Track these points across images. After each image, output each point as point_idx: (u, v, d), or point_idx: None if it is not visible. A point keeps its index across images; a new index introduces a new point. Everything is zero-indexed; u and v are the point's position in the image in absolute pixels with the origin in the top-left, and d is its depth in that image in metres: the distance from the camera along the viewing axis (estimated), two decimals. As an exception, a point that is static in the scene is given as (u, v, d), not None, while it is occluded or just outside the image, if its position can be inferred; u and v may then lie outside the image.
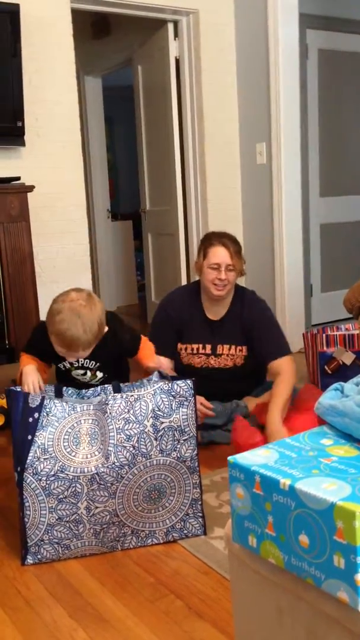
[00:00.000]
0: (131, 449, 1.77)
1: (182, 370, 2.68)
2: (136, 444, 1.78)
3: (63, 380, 2.23)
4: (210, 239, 2.64)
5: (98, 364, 2.22)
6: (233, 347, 2.68)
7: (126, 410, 1.80)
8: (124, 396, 1.82)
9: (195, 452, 1.87)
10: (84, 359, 2.15)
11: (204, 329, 2.69)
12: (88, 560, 1.84)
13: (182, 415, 1.84)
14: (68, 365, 2.20)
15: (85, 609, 1.62)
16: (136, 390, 1.86)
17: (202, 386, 2.63)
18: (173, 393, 1.84)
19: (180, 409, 1.84)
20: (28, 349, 2.22)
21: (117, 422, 1.79)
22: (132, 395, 1.82)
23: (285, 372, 2.50)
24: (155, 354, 2.59)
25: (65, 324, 1.96)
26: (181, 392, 1.85)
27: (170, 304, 2.75)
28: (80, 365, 2.20)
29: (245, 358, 2.69)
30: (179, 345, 2.70)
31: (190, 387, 1.86)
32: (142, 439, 1.79)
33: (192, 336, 2.69)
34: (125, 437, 1.78)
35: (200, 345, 2.69)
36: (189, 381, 1.86)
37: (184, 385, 1.85)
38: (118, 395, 1.82)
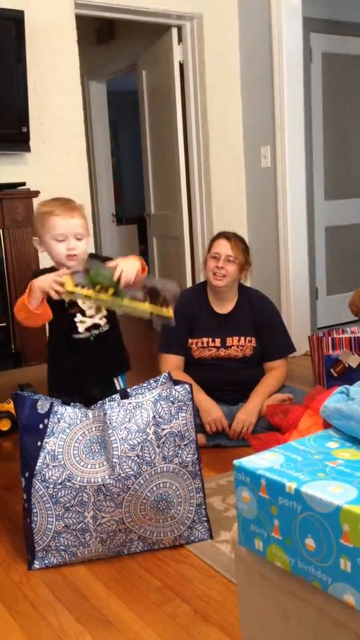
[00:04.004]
0: (136, 458, 1.75)
1: (194, 363, 2.75)
2: (140, 453, 1.75)
3: (62, 329, 2.01)
4: (217, 235, 2.84)
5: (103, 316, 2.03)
6: (242, 338, 2.76)
7: (127, 420, 1.76)
8: (122, 404, 1.78)
9: (196, 456, 1.85)
10: (91, 313, 1.98)
11: (212, 323, 2.78)
12: (94, 564, 1.84)
13: (182, 420, 1.82)
14: (70, 297, 1.88)
15: (92, 613, 1.62)
16: (134, 398, 1.82)
17: (213, 376, 2.71)
18: (172, 399, 1.81)
19: (180, 414, 1.82)
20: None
21: (119, 433, 1.75)
22: (130, 403, 1.79)
23: (277, 369, 2.77)
24: (168, 350, 2.75)
25: (53, 200, 2.01)
26: (180, 397, 1.82)
27: (180, 301, 2.84)
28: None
29: (254, 348, 2.77)
30: (190, 341, 2.77)
31: (188, 392, 1.84)
32: (146, 447, 1.76)
33: (201, 330, 2.77)
34: (129, 447, 1.75)
35: (210, 339, 2.76)
36: (186, 385, 1.85)
37: (182, 390, 1.83)
38: (115, 404, 1.78)
